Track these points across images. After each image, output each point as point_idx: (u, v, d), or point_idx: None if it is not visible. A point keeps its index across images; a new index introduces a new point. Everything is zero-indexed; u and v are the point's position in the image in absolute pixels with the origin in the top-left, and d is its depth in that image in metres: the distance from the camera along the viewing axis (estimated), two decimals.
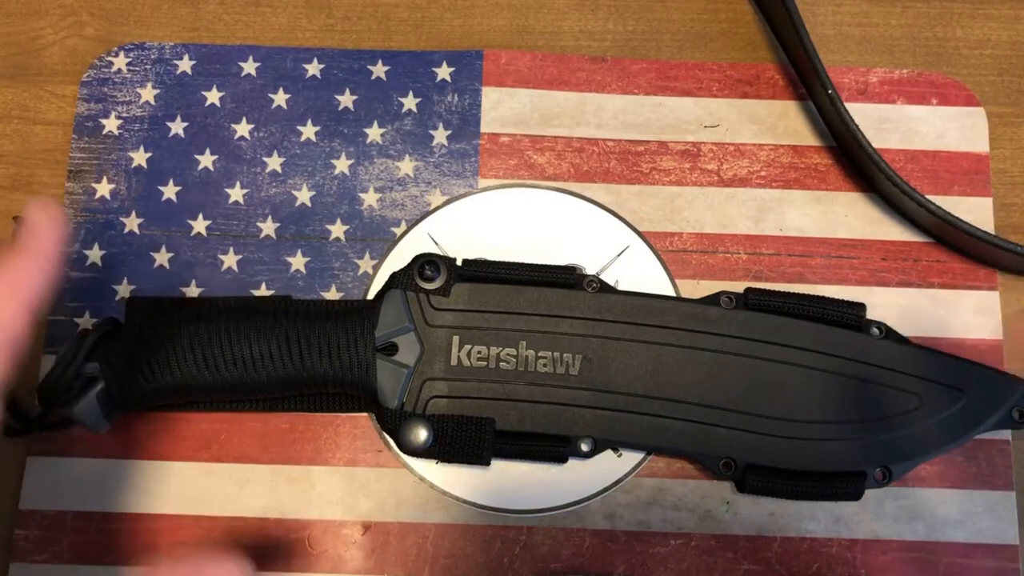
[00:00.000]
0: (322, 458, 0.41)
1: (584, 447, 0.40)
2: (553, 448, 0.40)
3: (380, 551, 0.40)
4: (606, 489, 0.41)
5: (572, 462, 0.41)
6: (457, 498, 0.41)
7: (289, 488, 0.41)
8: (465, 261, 0.42)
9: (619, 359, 0.40)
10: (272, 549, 0.40)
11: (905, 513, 0.41)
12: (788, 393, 0.40)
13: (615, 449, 0.41)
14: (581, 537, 0.40)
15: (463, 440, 0.39)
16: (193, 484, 0.41)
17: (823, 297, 0.42)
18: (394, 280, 0.41)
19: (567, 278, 0.41)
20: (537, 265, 0.41)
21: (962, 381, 0.40)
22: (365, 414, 0.41)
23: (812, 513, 0.41)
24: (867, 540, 0.41)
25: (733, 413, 0.40)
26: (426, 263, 0.41)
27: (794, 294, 0.42)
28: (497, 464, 0.41)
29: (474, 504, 0.41)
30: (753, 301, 0.41)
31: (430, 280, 0.40)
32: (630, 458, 0.41)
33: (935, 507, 0.41)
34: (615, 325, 0.40)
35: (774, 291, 0.42)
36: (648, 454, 0.41)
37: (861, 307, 0.41)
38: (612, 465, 0.41)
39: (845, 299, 0.42)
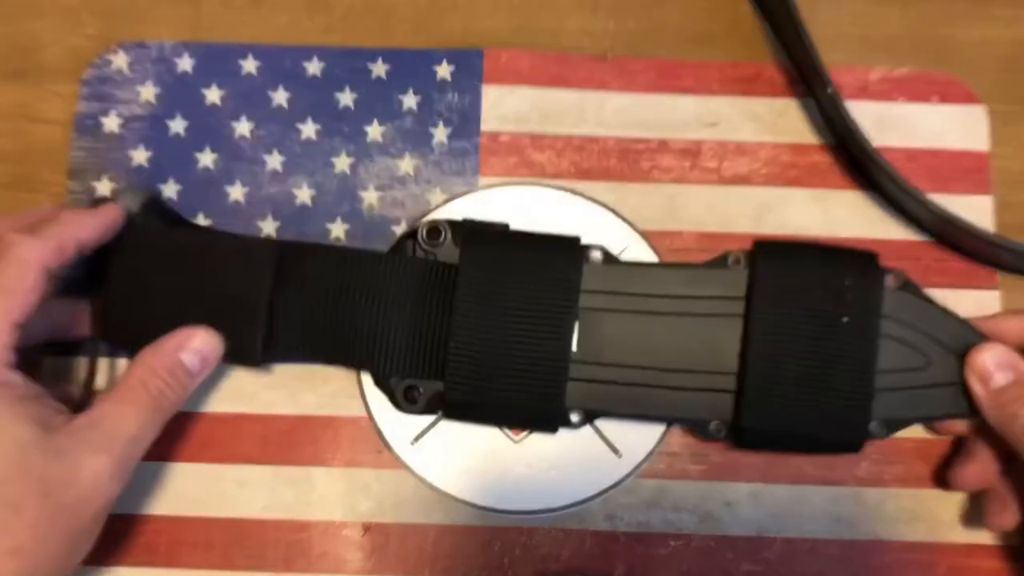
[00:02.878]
0: (322, 459, 0.41)
1: (574, 418, 0.40)
2: (545, 416, 0.40)
3: (380, 552, 0.40)
4: (606, 490, 0.41)
5: (572, 463, 0.41)
6: (457, 499, 0.41)
7: (289, 488, 0.41)
8: (467, 222, 0.42)
9: (609, 329, 0.40)
10: (272, 549, 0.40)
11: (905, 514, 0.41)
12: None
13: (615, 450, 0.41)
14: (581, 538, 0.40)
15: None
16: (193, 484, 0.41)
17: (834, 247, 0.41)
18: (403, 244, 0.41)
19: (568, 247, 0.41)
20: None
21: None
22: (365, 414, 0.41)
23: (812, 514, 0.41)
24: (867, 540, 0.41)
25: (724, 375, 0.39)
26: (430, 229, 0.41)
27: (805, 245, 0.41)
28: (498, 464, 0.41)
29: (474, 505, 0.41)
30: (763, 254, 0.40)
31: (435, 244, 0.41)
32: (630, 459, 0.41)
33: (935, 508, 0.41)
34: (606, 296, 0.40)
35: (783, 243, 0.41)
36: (649, 454, 0.41)
37: (874, 255, 0.40)
38: (612, 466, 0.41)
39: (856, 249, 0.41)
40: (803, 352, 0.39)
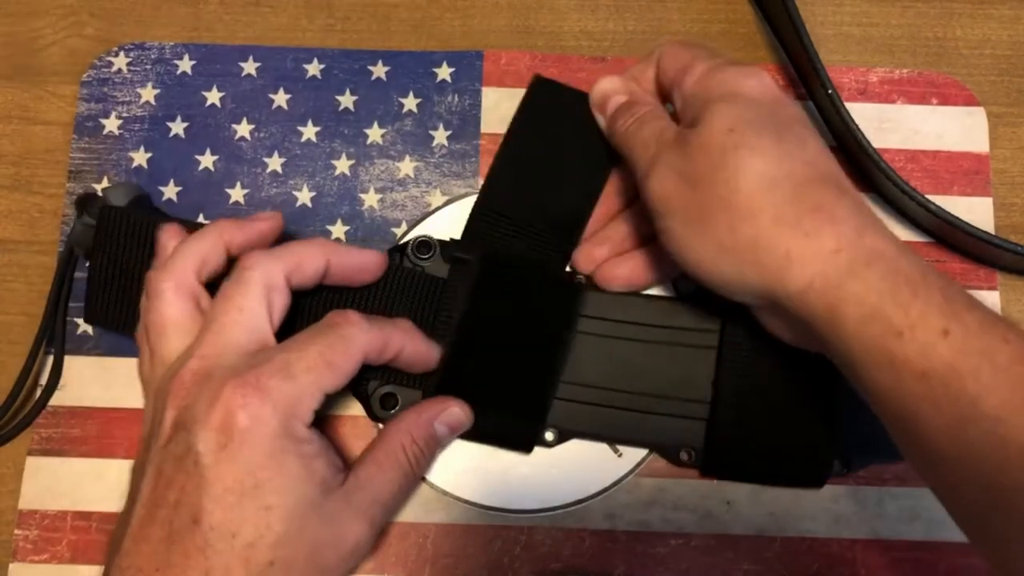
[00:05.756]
0: None
1: (549, 436, 0.40)
2: (519, 434, 0.40)
3: (380, 551, 0.40)
4: (606, 489, 0.41)
5: (572, 463, 0.41)
6: (457, 498, 0.41)
7: None
8: (454, 241, 0.42)
9: (589, 352, 0.40)
10: None
11: (905, 513, 0.41)
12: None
13: (615, 449, 0.41)
14: (581, 537, 0.40)
15: None
16: None
17: None
18: (392, 255, 0.41)
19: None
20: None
21: None
22: (365, 414, 0.41)
23: (812, 513, 0.41)
24: (867, 540, 0.41)
25: (696, 404, 0.40)
26: (419, 243, 0.41)
27: None
28: (498, 464, 0.41)
29: (474, 504, 0.41)
30: None
31: (424, 258, 0.41)
32: (630, 458, 0.41)
33: (935, 507, 0.41)
34: (589, 320, 0.41)
35: None
36: (649, 453, 0.41)
37: None
38: (612, 465, 0.41)
39: None
40: (773, 387, 0.40)
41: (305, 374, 0.33)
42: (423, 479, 0.40)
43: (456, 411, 0.38)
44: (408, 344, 0.37)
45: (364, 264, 0.38)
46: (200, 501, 0.31)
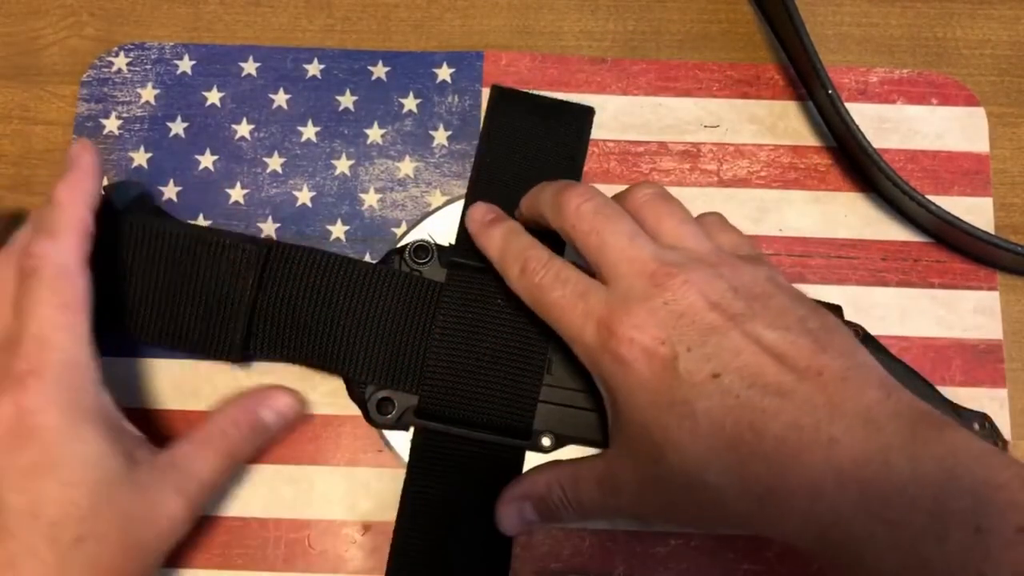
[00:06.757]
0: (322, 458, 0.41)
1: (546, 442, 0.40)
2: (517, 440, 0.40)
3: (380, 551, 0.40)
4: None
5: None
6: None
7: (289, 488, 0.41)
8: (452, 246, 0.42)
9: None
10: (272, 548, 0.40)
11: None
12: None
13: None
14: (581, 537, 0.40)
15: None
16: None
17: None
18: (390, 258, 0.41)
19: None
20: None
21: None
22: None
23: None
24: None
25: None
26: (417, 247, 0.42)
27: None
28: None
29: None
30: None
31: (422, 262, 0.41)
32: None
33: None
34: None
35: None
36: None
37: (837, 309, 0.41)
38: None
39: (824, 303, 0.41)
40: None
41: (70, 343, 0.33)
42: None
43: (283, 399, 0.39)
44: (87, 197, 0.37)
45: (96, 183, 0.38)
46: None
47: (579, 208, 0.35)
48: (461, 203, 0.44)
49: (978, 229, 0.41)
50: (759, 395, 0.30)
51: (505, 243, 0.37)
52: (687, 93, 0.46)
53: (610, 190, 0.44)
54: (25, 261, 0.35)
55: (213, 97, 0.45)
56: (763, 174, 0.45)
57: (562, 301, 0.34)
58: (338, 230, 0.44)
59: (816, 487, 0.29)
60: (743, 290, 0.33)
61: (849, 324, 0.41)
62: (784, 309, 0.33)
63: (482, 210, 0.40)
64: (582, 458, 0.37)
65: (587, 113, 0.43)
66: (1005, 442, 0.41)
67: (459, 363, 0.40)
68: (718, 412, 0.31)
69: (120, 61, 0.46)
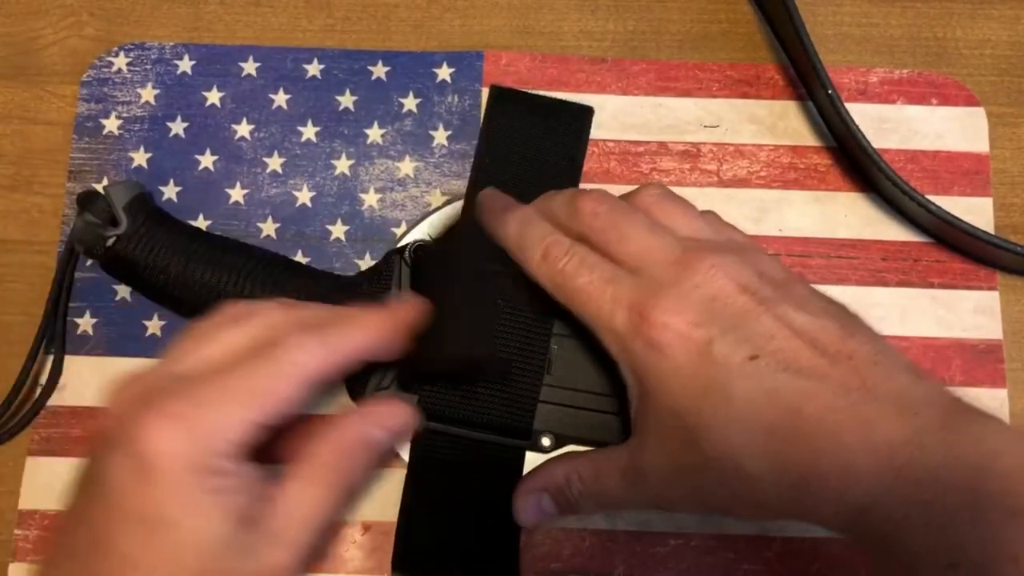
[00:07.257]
0: None
1: (545, 442, 0.40)
2: (517, 440, 0.40)
3: (380, 551, 0.40)
4: None
5: None
6: None
7: None
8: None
9: (582, 356, 0.40)
10: None
11: None
12: None
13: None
14: (581, 537, 0.40)
15: None
16: None
17: None
18: (390, 258, 0.41)
19: None
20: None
21: None
22: None
23: None
24: None
25: None
26: (418, 247, 0.41)
27: None
28: None
29: None
30: None
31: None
32: None
33: None
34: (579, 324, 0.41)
35: None
36: None
37: None
38: None
39: None
40: None
41: (229, 404, 0.31)
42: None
43: (397, 416, 0.36)
44: (371, 343, 0.35)
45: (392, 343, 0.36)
46: (111, 530, 0.29)
47: (595, 209, 0.35)
48: (461, 203, 0.44)
49: (978, 229, 0.41)
50: (795, 378, 0.30)
51: (522, 229, 0.37)
52: (687, 93, 0.46)
53: (610, 190, 0.44)
54: (273, 335, 0.33)
55: (213, 97, 0.45)
56: (763, 174, 0.45)
57: (589, 287, 0.34)
58: (338, 230, 0.44)
59: (852, 469, 0.29)
60: (767, 276, 0.33)
61: None
62: (806, 296, 0.33)
63: (495, 196, 0.39)
64: (599, 449, 0.37)
65: (587, 113, 0.43)
66: None
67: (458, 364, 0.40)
68: (755, 395, 0.30)
69: (120, 61, 0.46)
